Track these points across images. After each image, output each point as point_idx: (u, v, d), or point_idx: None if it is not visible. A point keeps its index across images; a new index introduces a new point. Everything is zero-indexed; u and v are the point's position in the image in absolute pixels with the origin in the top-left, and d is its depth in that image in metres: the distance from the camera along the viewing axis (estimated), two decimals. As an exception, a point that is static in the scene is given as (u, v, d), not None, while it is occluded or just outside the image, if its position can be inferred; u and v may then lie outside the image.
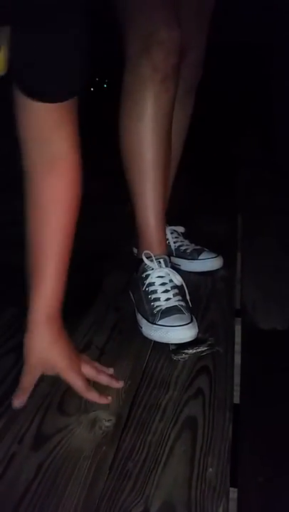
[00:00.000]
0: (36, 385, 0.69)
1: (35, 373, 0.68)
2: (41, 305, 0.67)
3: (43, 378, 0.73)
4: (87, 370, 0.70)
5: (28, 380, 0.68)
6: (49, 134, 0.63)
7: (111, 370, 0.74)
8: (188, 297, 0.88)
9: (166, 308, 0.83)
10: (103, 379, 0.71)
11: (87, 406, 0.67)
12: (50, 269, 0.67)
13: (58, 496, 0.54)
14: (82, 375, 0.68)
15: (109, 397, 0.68)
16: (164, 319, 0.82)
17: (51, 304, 0.68)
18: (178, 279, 0.89)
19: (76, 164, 0.66)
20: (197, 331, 0.81)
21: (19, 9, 0.50)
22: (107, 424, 0.64)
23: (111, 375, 0.72)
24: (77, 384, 0.68)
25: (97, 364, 0.73)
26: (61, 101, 0.59)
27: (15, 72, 0.55)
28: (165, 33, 0.82)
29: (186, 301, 0.87)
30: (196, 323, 0.82)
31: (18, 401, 0.66)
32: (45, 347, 0.67)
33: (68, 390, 0.71)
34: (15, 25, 0.52)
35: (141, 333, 0.85)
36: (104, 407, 0.67)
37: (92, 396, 0.68)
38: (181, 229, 1.17)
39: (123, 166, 0.93)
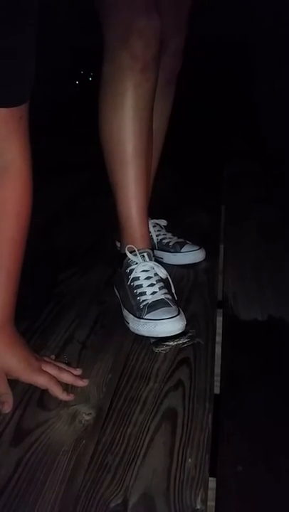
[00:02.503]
0: (16, 381, 0.69)
1: (1, 376, 0.67)
2: None
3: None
4: (48, 368, 0.69)
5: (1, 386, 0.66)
6: (5, 145, 0.62)
7: (78, 371, 0.72)
8: (173, 290, 0.88)
9: (153, 301, 0.83)
10: (66, 377, 0.69)
11: (68, 400, 0.67)
12: (4, 281, 0.66)
13: (37, 490, 0.54)
14: (42, 372, 0.68)
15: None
16: (151, 313, 0.82)
17: (7, 310, 0.67)
18: (163, 272, 0.89)
19: (27, 174, 0.66)
20: (185, 323, 0.81)
21: None
22: (87, 417, 0.64)
23: (76, 375, 0.71)
24: (40, 380, 0.67)
25: (62, 364, 0.72)
26: (8, 106, 0.58)
27: None
28: (144, 22, 0.81)
29: (172, 294, 0.87)
30: (183, 316, 0.82)
31: (6, 406, 0.65)
32: (4, 350, 0.67)
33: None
34: None
35: (123, 327, 0.85)
36: (84, 401, 0.67)
37: (56, 390, 0.67)
38: (163, 222, 1.17)
39: (104, 157, 0.92)
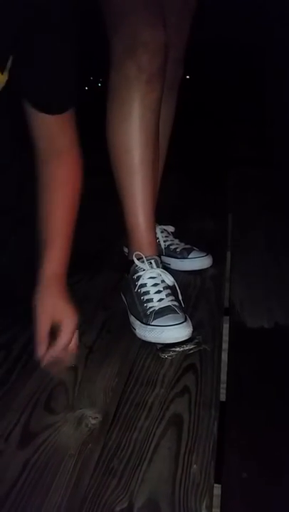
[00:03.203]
0: (24, 384, 0.69)
1: (46, 321, 0.76)
2: (50, 268, 0.80)
3: (30, 375, 0.74)
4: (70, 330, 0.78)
5: (43, 329, 0.76)
6: (55, 134, 0.79)
7: (73, 350, 0.79)
8: (180, 297, 0.89)
9: (160, 308, 0.83)
10: (60, 344, 0.76)
11: (74, 404, 0.68)
12: (58, 240, 0.82)
13: (43, 493, 0.54)
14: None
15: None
16: (157, 319, 0.82)
17: (58, 267, 0.81)
18: (170, 280, 0.89)
19: (77, 155, 0.83)
20: (192, 330, 0.81)
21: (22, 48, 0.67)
22: (94, 421, 0.65)
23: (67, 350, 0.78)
24: (72, 332, 0.78)
25: (76, 335, 0.80)
26: (63, 112, 0.77)
27: (26, 93, 0.74)
28: (149, 34, 0.82)
29: (179, 301, 0.87)
30: (190, 322, 0.82)
31: (40, 349, 0.75)
32: (55, 296, 0.79)
33: (55, 388, 0.71)
34: (19, 57, 0.68)
35: (129, 332, 0.86)
36: (91, 405, 0.68)
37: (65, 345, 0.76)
38: (171, 228, 1.17)
39: (111, 165, 0.94)
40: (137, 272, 0.91)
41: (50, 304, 0.78)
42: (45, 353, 0.75)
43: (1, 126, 0.90)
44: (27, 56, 0.70)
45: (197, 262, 1.10)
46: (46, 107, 0.76)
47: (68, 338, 0.77)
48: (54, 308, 0.78)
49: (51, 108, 0.76)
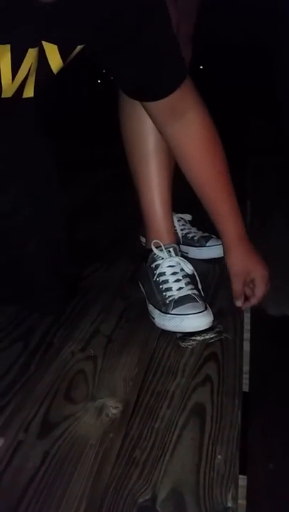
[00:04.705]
0: (42, 374, 0.68)
1: (240, 280, 0.84)
2: (232, 232, 0.85)
3: (49, 366, 0.73)
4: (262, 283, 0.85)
5: (239, 288, 0.85)
6: (183, 109, 0.80)
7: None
8: (200, 286, 0.87)
9: (179, 297, 0.82)
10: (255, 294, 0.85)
11: (94, 393, 0.67)
12: (228, 205, 0.85)
13: (64, 484, 0.53)
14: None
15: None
16: (177, 308, 0.80)
17: (238, 230, 0.85)
18: (189, 268, 0.87)
19: (206, 118, 0.82)
20: (212, 318, 0.79)
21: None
22: (114, 411, 0.63)
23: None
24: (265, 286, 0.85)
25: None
26: (177, 88, 0.77)
27: (143, 92, 0.79)
28: None
29: (199, 290, 0.86)
30: (210, 311, 0.80)
31: (239, 302, 0.86)
32: (244, 257, 0.85)
33: (75, 378, 0.70)
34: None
35: (148, 321, 0.84)
36: (111, 395, 0.67)
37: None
38: (188, 216, 1.15)
39: (126, 152, 0.92)
40: (155, 260, 0.89)
41: (241, 265, 0.85)
42: (244, 304, 0.86)
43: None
44: (125, 58, 0.72)
45: (215, 249, 1.07)
46: (155, 96, 0.77)
47: (263, 290, 0.84)
48: (246, 268, 0.84)
49: (160, 94, 0.77)
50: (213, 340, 0.78)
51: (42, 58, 0.67)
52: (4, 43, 0.62)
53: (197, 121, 0.82)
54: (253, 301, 0.85)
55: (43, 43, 0.66)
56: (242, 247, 0.85)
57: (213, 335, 0.78)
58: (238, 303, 0.87)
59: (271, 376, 0.71)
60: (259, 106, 2.87)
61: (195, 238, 1.10)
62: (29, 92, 0.71)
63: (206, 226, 1.13)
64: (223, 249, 0.88)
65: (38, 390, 0.68)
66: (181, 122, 0.81)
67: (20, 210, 0.82)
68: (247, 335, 0.82)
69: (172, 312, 0.80)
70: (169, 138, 0.84)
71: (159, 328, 0.82)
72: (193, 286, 0.85)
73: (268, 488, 0.54)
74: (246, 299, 0.87)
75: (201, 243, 1.08)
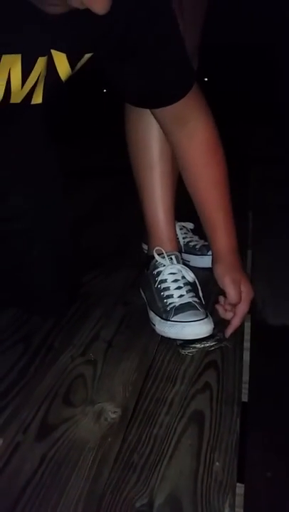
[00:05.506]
0: (42, 377, 0.69)
1: (237, 287, 0.80)
2: (224, 242, 0.83)
3: (49, 369, 0.73)
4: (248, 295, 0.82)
5: (237, 292, 0.80)
6: (187, 117, 0.80)
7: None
8: (201, 294, 0.87)
9: (180, 304, 0.82)
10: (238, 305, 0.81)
11: (93, 397, 0.67)
12: (220, 218, 0.84)
13: (61, 486, 0.53)
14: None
15: None
16: (178, 315, 0.80)
17: (232, 241, 0.84)
18: (190, 276, 0.88)
19: (209, 127, 0.82)
20: (213, 326, 0.79)
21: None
22: (113, 416, 0.63)
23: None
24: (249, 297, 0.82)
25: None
26: (183, 97, 0.77)
27: (147, 99, 0.79)
28: None
29: (200, 298, 0.86)
30: (211, 319, 0.81)
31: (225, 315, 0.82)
32: (232, 270, 0.82)
33: (74, 381, 0.70)
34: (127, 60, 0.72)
35: (149, 328, 0.84)
36: (110, 399, 0.67)
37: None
38: (190, 225, 1.15)
39: (130, 160, 0.93)
40: (157, 267, 0.89)
41: (233, 276, 0.82)
42: (228, 329, 0.81)
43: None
44: (132, 66, 0.73)
45: (217, 259, 1.07)
46: (158, 103, 0.78)
47: (247, 306, 0.82)
48: (236, 278, 0.82)
49: (163, 102, 0.78)
50: (213, 348, 0.78)
51: (51, 66, 0.69)
52: (16, 53, 0.64)
53: (200, 131, 0.82)
54: (236, 322, 0.81)
55: (52, 51, 0.67)
56: (233, 259, 0.83)
57: (214, 343, 0.79)
58: (226, 315, 0.83)
59: (270, 385, 0.71)
60: (263, 117, 2.89)
61: (197, 247, 1.10)
62: (38, 99, 0.72)
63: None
64: (212, 259, 0.85)
65: (38, 393, 0.68)
66: (184, 131, 0.81)
67: (24, 214, 0.83)
68: (247, 344, 0.82)
69: (173, 319, 0.80)
70: (172, 145, 0.85)
71: (159, 334, 0.82)
72: (194, 294, 0.85)
73: (266, 497, 0.54)
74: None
75: (202, 252, 1.09)
